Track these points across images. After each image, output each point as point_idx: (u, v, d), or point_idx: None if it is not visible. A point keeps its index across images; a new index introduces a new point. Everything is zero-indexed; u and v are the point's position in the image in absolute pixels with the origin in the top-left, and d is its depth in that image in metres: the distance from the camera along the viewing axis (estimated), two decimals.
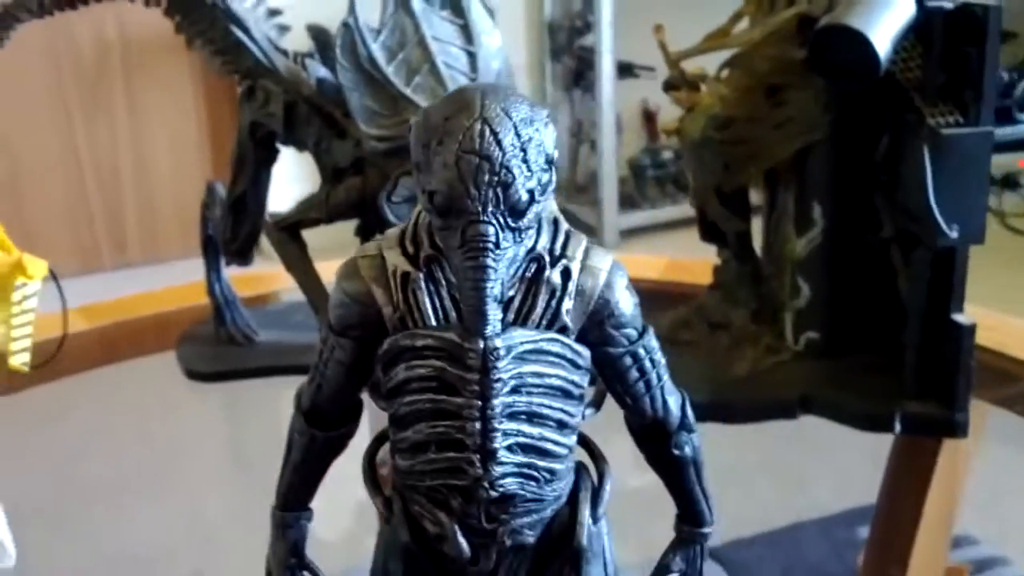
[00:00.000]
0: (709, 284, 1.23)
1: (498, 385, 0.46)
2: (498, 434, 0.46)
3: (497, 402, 0.46)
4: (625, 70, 3.86)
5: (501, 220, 0.43)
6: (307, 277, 1.11)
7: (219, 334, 1.33)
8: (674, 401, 0.53)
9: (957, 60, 0.91)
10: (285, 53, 1.14)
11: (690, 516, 0.56)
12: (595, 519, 0.52)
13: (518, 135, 0.43)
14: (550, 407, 0.48)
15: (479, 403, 0.46)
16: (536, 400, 0.47)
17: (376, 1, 1.03)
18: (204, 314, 1.40)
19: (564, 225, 0.49)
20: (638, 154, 4.12)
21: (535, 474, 0.48)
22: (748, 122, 1.07)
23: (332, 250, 1.22)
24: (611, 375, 0.50)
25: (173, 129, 3.79)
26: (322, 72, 1.08)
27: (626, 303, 0.49)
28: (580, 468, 0.53)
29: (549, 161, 0.45)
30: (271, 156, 1.20)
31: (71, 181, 3.69)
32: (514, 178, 0.43)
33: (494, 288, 0.44)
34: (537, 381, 0.47)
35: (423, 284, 0.47)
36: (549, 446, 0.48)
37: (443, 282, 0.47)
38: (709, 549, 0.58)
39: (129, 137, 3.74)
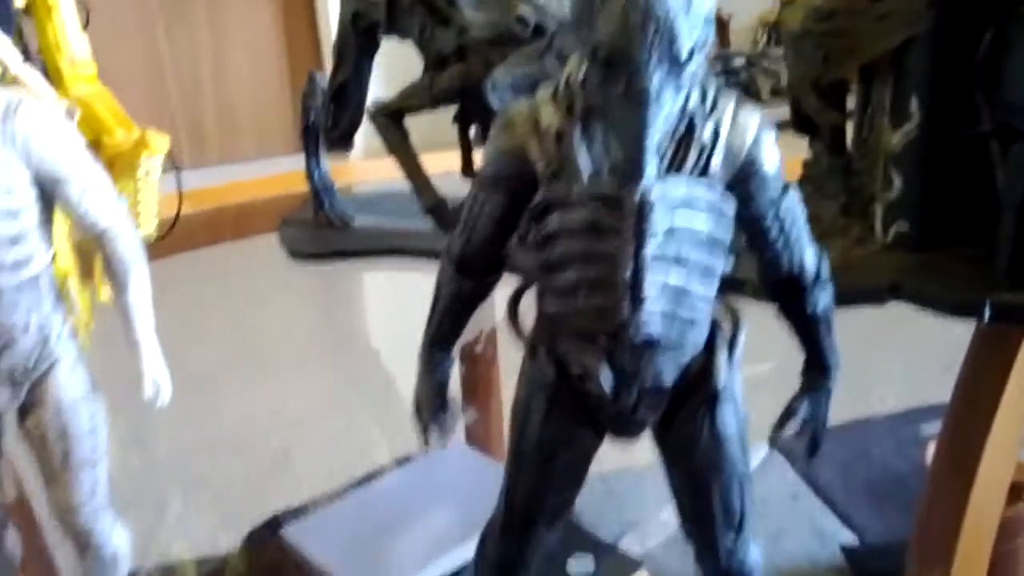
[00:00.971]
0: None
1: (652, 231, 0.49)
2: (648, 278, 0.49)
3: (649, 247, 0.49)
4: None
5: (663, 73, 0.46)
6: (409, 160, 1.14)
7: (318, 218, 1.39)
8: (811, 257, 0.55)
9: None
10: None
11: (817, 365, 0.59)
12: (731, 364, 0.55)
13: None
14: (696, 255, 0.51)
15: (632, 248, 0.49)
16: (684, 248, 0.50)
17: None
18: (304, 201, 1.45)
19: (714, 82, 0.51)
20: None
21: (678, 319, 0.51)
22: (849, 14, 1.06)
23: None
24: (752, 230, 0.53)
25: (250, 34, 3.81)
26: None
27: (772, 161, 0.51)
28: (715, 318, 0.56)
29: (707, 17, 0.47)
30: (373, 46, 1.23)
31: (153, 86, 3.75)
32: (678, 31, 0.45)
33: (654, 137, 0.47)
34: (686, 229, 0.50)
35: (577, 137, 0.49)
36: (693, 292, 0.51)
37: (596, 136, 0.49)
38: (776, 440, 0.61)
39: (210, 43, 3.78)
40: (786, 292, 0.57)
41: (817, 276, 0.56)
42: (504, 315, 0.58)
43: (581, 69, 0.49)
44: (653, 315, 0.51)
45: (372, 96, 1.26)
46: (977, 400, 1.06)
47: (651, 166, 0.47)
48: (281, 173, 1.72)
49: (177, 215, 1.07)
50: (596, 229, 0.49)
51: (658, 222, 0.49)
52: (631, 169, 0.47)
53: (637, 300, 0.50)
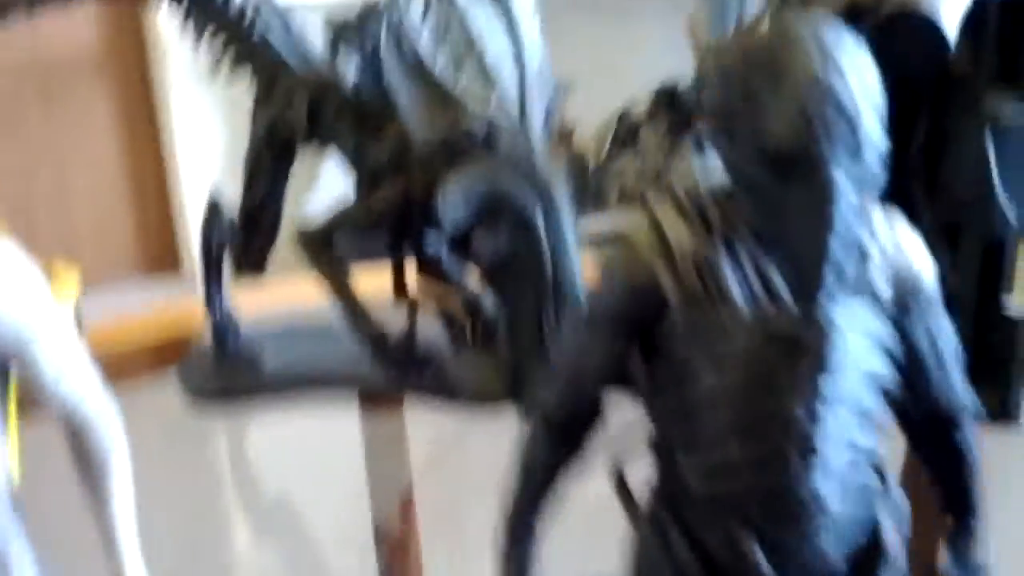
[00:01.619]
0: None
1: (830, 364, 0.42)
2: (820, 421, 0.42)
3: (826, 384, 0.42)
4: None
5: (846, 172, 0.40)
6: (344, 289, 1.05)
7: (220, 356, 1.26)
8: (962, 385, 0.50)
9: (1014, 45, 0.92)
10: (309, 51, 1.09)
11: (963, 508, 0.53)
12: (904, 546, 0.48)
13: (858, 67, 0.40)
14: (863, 395, 0.44)
15: (806, 386, 0.42)
16: (853, 385, 0.43)
17: None
18: (193, 338, 1.33)
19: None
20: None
21: (848, 476, 0.44)
22: None
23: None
24: (905, 353, 0.47)
25: (91, 154, 3.63)
26: (357, 69, 1.03)
27: (928, 271, 0.46)
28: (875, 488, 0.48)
29: (884, 114, 0.42)
30: (289, 160, 1.15)
31: None
32: (863, 119, 0.39)
33: (838, 250, 0.40)
34: (855, 361, 0.43)
35: (723, 255, 0.43)
36: (860, 442, 0.44)
37: (745, 257, 0.43)
38: None
39: (47, 163, 3.56)
40: (932, 426, 0.50)
41: (968, 408, 0.50)
42: (613, 487, 0.49)
43: (698, 181, 0.43)
44: (824, 470, 0.43)
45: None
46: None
47: (831, 283, 0.41)
48: (139, 309, 1.59)
49: None
50: (758, 363, 0.42)
51: (837, 352, 0.42)
52: (809, 285, 0.41)
53: (808, 450, 0.42)
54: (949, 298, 1.04)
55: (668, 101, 4.82)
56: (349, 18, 1.04)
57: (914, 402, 0.49)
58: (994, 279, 1.00)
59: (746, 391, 0.43)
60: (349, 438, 1.25)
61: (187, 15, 1.14)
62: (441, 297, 1.11)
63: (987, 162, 0.92)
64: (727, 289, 0.43)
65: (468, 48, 0.95)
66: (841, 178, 0.39)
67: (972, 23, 0.93)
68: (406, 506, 1.13)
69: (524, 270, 0.90)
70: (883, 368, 0.44)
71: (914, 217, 1.08)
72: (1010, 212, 0.92)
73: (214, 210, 1.22)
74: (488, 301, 1.09)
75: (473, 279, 1.09)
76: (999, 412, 1.01)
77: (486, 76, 0.94)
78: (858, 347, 0.43)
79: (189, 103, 3.57)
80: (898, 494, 0.48)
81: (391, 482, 1.11)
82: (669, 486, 0.46)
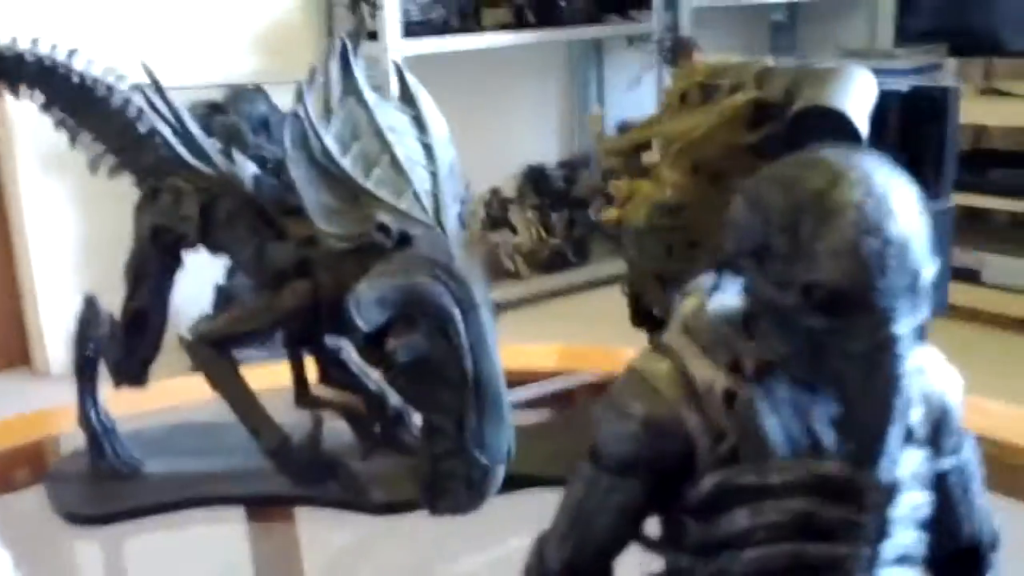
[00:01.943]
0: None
1: (894, 525, 0.38)
2: None
3: (888, 546, 0.38)
4: None
5: (910, 318, 0.36)
6: (242, 397, 0.98)
7: (98, 468, 1.16)
8: (988, 517, 0.47)
9: (915, 140, 0.94)
10: (199, 147, 1.03)
11: None
12: None
13: (909, 207, 0.37)
14: (917, 543, 0.41)
15: (868, 550, 0.38)
16: (909, 537, 0.40)
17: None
18: (73, 445, 1.23)
19: None
20: None
21: None
22: (696, 208, 1.06)
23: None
24: (936, 493, 0.43)
25: None
26: (254, 168, 0.98)
27: (959, 406, 0.43)
28: None
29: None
30: (175, 264, 1.07)
31: None
32: (922, 265, 0.37)
33: (902, 405, 0.37)
34: (912, 515, 0.40)
35: (762, 402, 0.39)
36: None
37: (783, 399, 0.39)
38: None
39: None
40: (960, 563, 0.47)
41: (994, 540, 0.48)
42: None
43: (712, 310, 0.40)
44: None
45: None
46: None
47: (896, 440, 0.37)
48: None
49: None
50: (812, 528, 0.38)
51: (899, 510, 0.38)
52: (871, 445, 0.37)
53: None
54: None
55: (535, 181, 4.94)
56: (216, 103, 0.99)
57: (943, 537, 0.46)
58: None
59: (792, 568, 0.39)
60: (237, 547, 1.17)
61: (65, 115, 1.06)
62: (347, 399, 1.05)
63: None
64: (766, 437, 0.38)
65: (379, 147, 0.91)
66: (905, 331, 0.36)
67: (878, 116, 0.95)
68: None
69: (442, 371, 0.86)
70: (928, 508, 0.41)
71: None
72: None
73: (90, 308, 1.13)
74: (395, 401, 1.04)
75: (378, 378, 1.04)
76: None
77: (398, 173, 0.90)
78: (911, 496, 0.40)
79: (39, 190, 3.40)
80: None
81: None
82: None
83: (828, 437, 0.39)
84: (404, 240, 0.87)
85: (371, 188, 0.89)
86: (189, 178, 1.00)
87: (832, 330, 0.37)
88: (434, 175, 0.92)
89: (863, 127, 0.88)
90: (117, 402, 1.22)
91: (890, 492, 0.38)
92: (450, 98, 1.01)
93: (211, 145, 1.02)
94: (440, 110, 0.98)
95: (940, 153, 0.93)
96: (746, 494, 0.39)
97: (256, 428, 0.97)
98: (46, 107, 1.06)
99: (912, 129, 0.94)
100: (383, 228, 0.87)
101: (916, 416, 0.41)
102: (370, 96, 0.94)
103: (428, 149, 0.94)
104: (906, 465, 0.39)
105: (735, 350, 0.39)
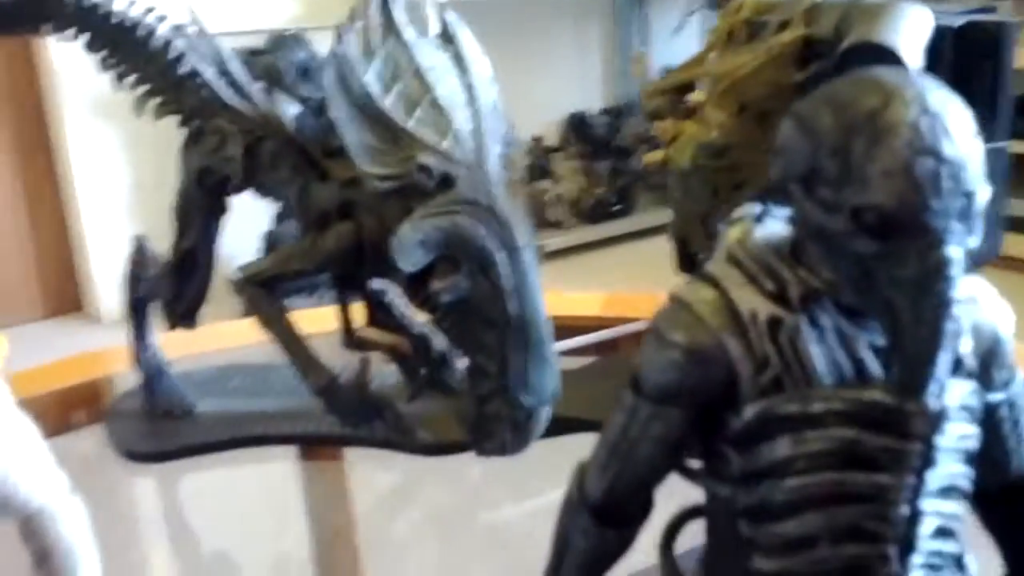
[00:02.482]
0: None
1: (939, 454, 0.38)
2: (924, 517, 0.38)
3: (933, 475, 0.38)
4: None
5: (963, 243, 0.36)
6: (290, 337, 0.99)
7: (152, 407, 1.19)
8: None
9: (968, 76, 0.92)
10: (241, 88, 1.03)
11: None
12: None
13: (967, 130, 0.36)
14: (964, 475, 0.40)
15: (913, 479, 0.38)
16: (955, 469, 0.40)
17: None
18: (105, 387, 1.26)
19: None
20: None
21: (942, 563, 0.40)
22: (742, 148, 1.05)
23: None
24: (985, 427, 0.43)
25: None
26: (297, 109, 0.98)
27: (1011, 339, 0.43)
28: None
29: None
30: (222, 205, 1.08)
31: None
32: (976, 186, 0.36)
33: (951, 335, 0.36)
34: (958, 445, 0.40)
35: (806, 331, 0.38)
36: (955, 525, 0.41)
37: (828, 327, 0.38)
38: None
39: None
40: (1008, 498, 0.47)
41: None
42: (658, 554, 0.45)
43: (757, 238, 0.40)
44: (921, 562, 0.39)
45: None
46: None
47: (944, 368, 0.37)
48: (41, 354, 1.50)
49: None
50: (855, 457, 0.38)
51: (946, 440, 0.38)
52: (918, 372, 0.36)
53: (909, 546, 0.38)
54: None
55: (578, 129, 4.89)
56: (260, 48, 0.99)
57: (990, 471, 0.46)
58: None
59: (835, 495, 0.39)
60: (289, 485, 1.19)
61: (108, 56, 1.07)
62: (393, 340, 1.06)
63: None
64: (812, 366, 0.38)
65: (419, 87, 0.90)
66: (957, 255, 0.36)
67: (930, 53, 0.93)
68: (350, 554, 1.07)
69: (485, 312, 0.86)
70: (975, 442, 0.41)
71: None
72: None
73: (140, 250, 1.15)
74: (442, 343, 1.05)
75: (424, 321, 1.04)
76: None
77: (440, 114, 0.89)
78: (958, 427, 0.39)
79: (87, 136, 3.43)
80: (971, 560, 0.45)
81: (333, 531, 1.06)
82: (723, 559, 0.42)
83: (874, 366, 0.39)
84: (446, 181, 0.87)
85: (412, 129, 0.89)
86: (232, 119, 1.01)
87: (882, 254, 0.36)
88: (476, 115, 0.91)
89: (915, 64, 0.86)
90: (171, 344, 1.25)
91: (936, 420, 0.37)
92: (490, 43, 0.99)
93: (252, 86, 1.02)
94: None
95: (994, 90, 0.91)
96: (789, 423, 0.38)
97: (304, 367, 0.99)
98: (89, 48, 1.07)
99: (965, 66, 0.92)
100: (425, 169, 0.86)
101: (966, 347, 0.40)
102: (410, 36, 0.93)
103: (470, 89, 0.93)
104: (954, 395, 0.39)
105: (781, 278, 0.39)
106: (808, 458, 0.38)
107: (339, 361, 1.04)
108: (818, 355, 0.38)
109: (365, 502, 1.14)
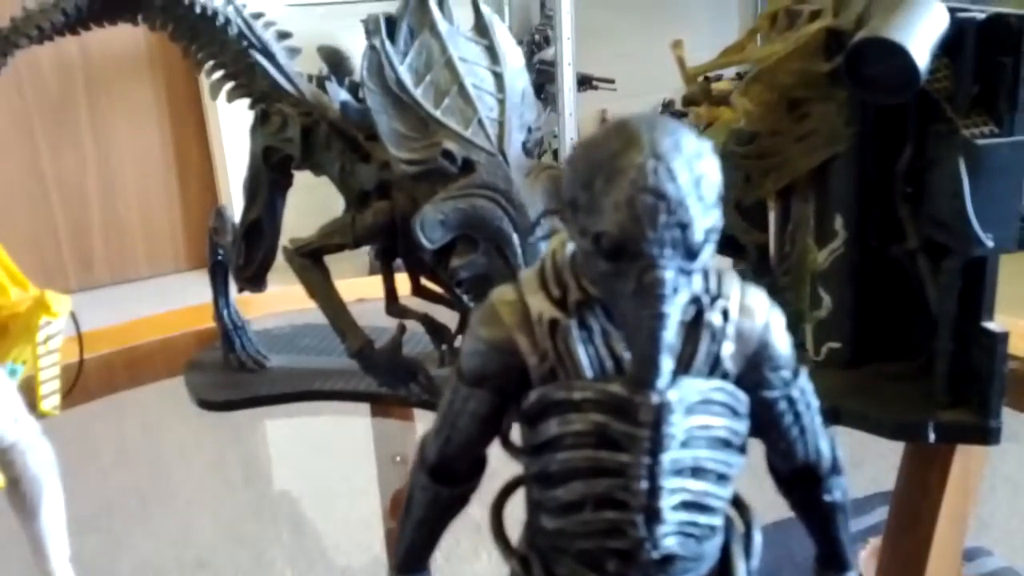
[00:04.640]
0: None
1: (669, 440, 0.43)
2: (664, 492, 0.44)
3: (666, 458, 0.44)
4: (584, 82, 3.89)
5: (678, 264, 0.41)
6: (331, 303, 1.08)
7: (228, 360, 1.31)
8: (826, 444, 0.51)
9: (990, 70, 0.92)
10: (300, 76, 1.12)
11: (836, 563, 0.55)
12: (750, 571, 0.50)
13: (691, 170, 0.41)
14: (713, 460, 0.46)
15: (648, 460, 0.43)
16: (701, 453, 0.45)
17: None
18: (211, 339, 1.38)
19: (714, 263, 0.46)
20: None
21: (696, 531, 0.46)
22: (771, 136, 1.07)
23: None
24: (764, 420, 0.48)
25: (138, 149, 3.73)
26: (344, 95, 1.06)
27: (783, 344, 0.47)
28: (727, 518, 0.50)
29: (719, 197, 0.43)
30: (286, 181, 1.19)
31: (36, 204, 3.62)
32: (692, 218, 0.41)
33: (669, 334, 0.42)
34: (703, 434, 0.45)
35: (575, 332, 0.44)
36: (710, 501, 0.46)
37: (595, 329, 0.45)
38: None
39: (95, 158, 3.67)
40: (800, 483, 0.52)
41: (833, 464, 0.52)
42: (488, 520, 0.52)
43: (565, 251, 0.45)
44: (670, 531, 0.45)
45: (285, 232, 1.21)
46: (916, 516, 1.05)
47: (666, 367, 0.43)
48: (180, 304, 1.63)
49: (77, 377, 0.99)
50: (605, 438, 0.44)
51: (676, 429, 0.44)
52: (645, 371, 0.43)
53: (654, 516, 0.44)
54: (928, 316, 1.05)
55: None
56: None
57: (780, 458, 0.51)
58: (976, 297, 1.00)
59: (591, 469, 0.45)
60: (361, 436, 1.28)
61: (189, 44, 1.18)
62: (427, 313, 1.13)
63: (961, 184, 0.92)
64: (577, 360, 0.44)
65: (450, 77, 0.97)
66: (669, 276, 0.41)
67: (951, 46, 0.93)
68: None
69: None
70: (734, 433, 0.46)
71: (900, 238, 1.09)
72: (984, 233, 0.92)
73: (220, 220, 1.26)
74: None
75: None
76: (979, 429, 1.02)
77: (466, 103, 0.96)
78: (700, 419, 0.45)
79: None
80: (757, 533, 0.51)
81: (401, 481, 1.14)
82: (538, 535, 0.48)
83: (627, 364, 0.44)
84: (468, 166, 0.94)
85: (439, 116, 0.96)
86: (290, 104, 1.10)
87: (614, 273, 0.42)
88: (502, 103, 0.98)
89: (921, 60, 0.86)
90: (252, 304, 1.36)
91: (659, 411, 0.43)
92: (630, 7, 1.05)
93: (296, 73, 1.12)
94: (619, 18, 1.03)
95: (1016, 84, 0.89)
96: (558, 407, 0.45)
97: (342, 331, 1.08)
98: (173, 38, 1.18)
99: (988, 58, 0.91)
100: (448, 154, 0.94)
101: (727, 350, 0.45)
102: (443, 27, 1.00)
103: (499, 78, 0.99)
104: (690, 390, 0.44)
105: (566, 286, 0.45)
106: (572, 436, 0.45)
107: (381, 326, 1.12)
108: (583, 352, 0.45)
109: None
